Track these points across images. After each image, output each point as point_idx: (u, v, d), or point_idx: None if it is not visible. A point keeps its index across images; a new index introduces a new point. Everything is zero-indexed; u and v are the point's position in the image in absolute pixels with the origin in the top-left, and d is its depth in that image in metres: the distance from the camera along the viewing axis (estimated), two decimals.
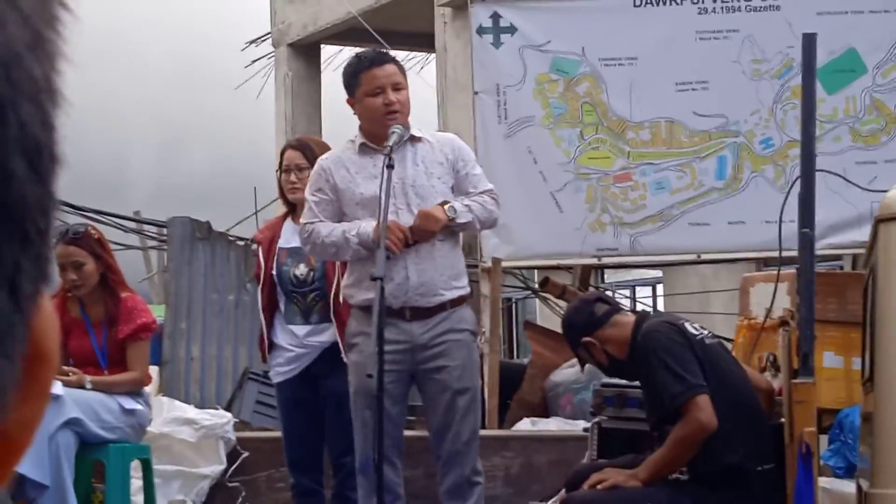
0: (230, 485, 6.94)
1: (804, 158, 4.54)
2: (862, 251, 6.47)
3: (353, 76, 4.94)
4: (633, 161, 8.08)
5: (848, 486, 5.28)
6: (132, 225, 12.13)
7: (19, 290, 0.43)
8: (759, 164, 8.04)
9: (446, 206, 4.83)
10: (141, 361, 5.85)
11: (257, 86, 15.89)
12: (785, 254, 5.27)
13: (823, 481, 5.18)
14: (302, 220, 5.00)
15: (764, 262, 9.14)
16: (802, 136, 4.60)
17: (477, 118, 8.09)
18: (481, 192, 4.94)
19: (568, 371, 7.99)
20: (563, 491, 5.04)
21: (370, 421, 4.55)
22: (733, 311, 7.62)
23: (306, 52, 15.97)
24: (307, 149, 5.52)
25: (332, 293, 5.29)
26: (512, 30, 8.12)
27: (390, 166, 4.69)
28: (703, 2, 8.04)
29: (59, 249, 5.63)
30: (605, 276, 15.33)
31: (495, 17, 8.12)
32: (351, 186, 4.90)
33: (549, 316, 12.35)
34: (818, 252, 5.12)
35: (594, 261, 8.47)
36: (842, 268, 10.03)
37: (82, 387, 5.63)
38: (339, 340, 5.19)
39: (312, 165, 5.24)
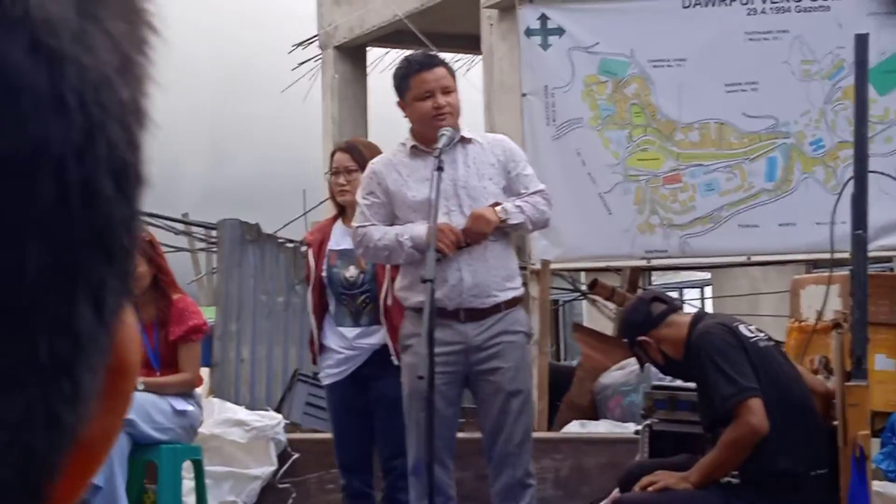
0: (281, 486, 6.97)
1: (857, 160, 4.52)
2: None
3: (402, 80, 4.96)
4: (682, 162, 8.05)
5: None
6: (181, 227, 12.21)
7: (104, 305, 0.44)
8: (809, 165, 7.99)
9: (498, 208, 4.83)
10: (192, 363, 5.89)
11: (304, 89, 15.96)
12: (836, 256, 5.23)
13: (876, 485, 5.14)
14: (354, 224, 5.02)
15: (813, 264, 9.09)
16: (855, 138, 4.57)
17: (525, 120, 8.09)
18: (533, 193, 4.95)
19: (617, 373, 7.98)
20: (617, 490, 5.04)
21: (423, 423, 4.56)
22: (782, 314, 7.59)
23: (353, 54, 16.01)
24: (356, 151, 5.53)
25: (382, 296, 5.30)
26: (560, 31, 8.11)
27: (440, 168, 4.70)
28: (752, 3, 8.00)
29: None
30: (653, 278, 15.28)
31: (543, 18, 8.12)
32: (402, 189, 4.92)
33: (596, 318, 12.33)
34: (869, 254, 5.09)
35: (643, 262, 8.45)
36: (892, 270, 9.95)
37: (134, 388, 5.67)
38: (390, 343, 5.20)
39: (361, 168, 5.25)
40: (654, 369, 5.64)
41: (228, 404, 7.39)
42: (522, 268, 7.83)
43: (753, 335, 4.67)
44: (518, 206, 4.88)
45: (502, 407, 4.82)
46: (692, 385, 4.91)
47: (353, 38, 15.68)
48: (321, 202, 12.94)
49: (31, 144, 0.41)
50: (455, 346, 4.81)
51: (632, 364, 7.54)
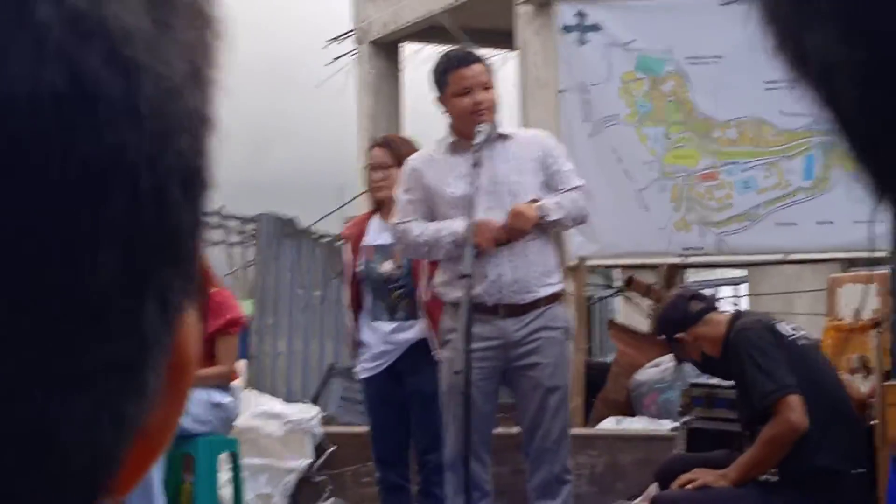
0: (317, 479, 6.99)
1: None
2: None
3: (441, 76, 4.97)
4: (719, 160, 8.03)
5: None
6: (216, 220, 12.25)
7: (169, 306, 0.46)
8: (847, 163, 7.94)
9: (537, 205, 4.84)
10: (230, 355, 5.92)
11: (339, 84, 15.98)
12: (874, 254, 5.21)
13: None
14: (394, 220, 5.03)
15: (849, 263, 9.04)
16: None
17: (561, 117, 8.08)
18: (571, 189, 4.95)
19: (652, 370, 7.97)
20: (655, 485, 5.04)
21: (460, 417, 4.57)
22: (817, 312, 7.55)
23: (387, 49, 16.02)
24: (393, 147, 5.54)
25: (420, 290, 5.31)
26: (597, 28, 8.10)
27: (477, 164, 4.71)
28: None
29: None
30: (687, 276, 15.22)
31: (580, 15, 8.11)
32: (441, 186, 4.93)
33: (630, 315, 12.30)
34: None
35: (679, 260, 8.43)
36: None
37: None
38: (434, 336, 5.19)
39: (398, 163, 5.27)
40: (689, 367, 5.64)
41: (265, 397, 7.43)
42: None
43: (792, 333, 4.66)
44: (557, 203, 4.88)
45: (541, 403, 4.82)
46: (730, 383, 4.91)
47: (387, 33, 15.69)
48: (355, 197, 12.96)
49: (107, 152, 0.42)
50: (494, 342, 4.81)
51: (667, 361, 7.53)
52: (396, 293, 5.42)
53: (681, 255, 8.21)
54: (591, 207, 5.25)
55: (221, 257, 13.84)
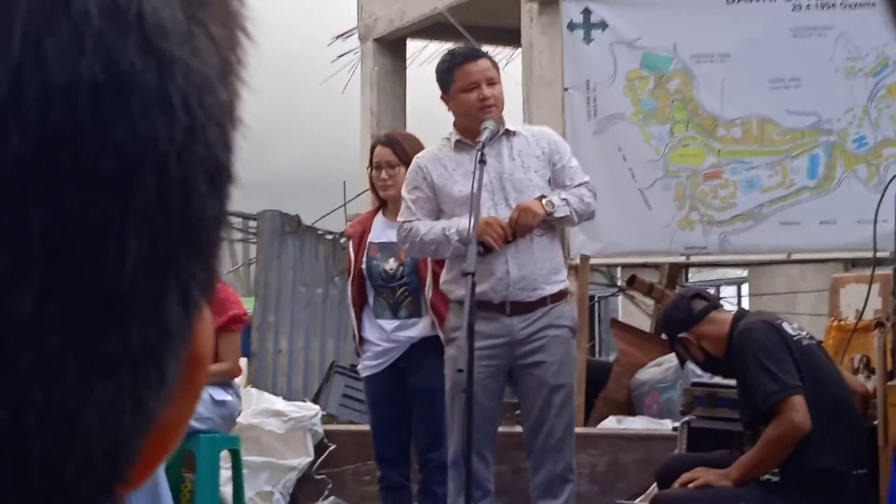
0: (317, 477, 6.99)
1: None
2: None
3: (446, 72, 4.95)
4: (723, 159, 8.01)
5: None
6: None
7: (190, 297, 0.46)
8: (852, 163, 7.93)
9: (544, 201, 4.82)
10: (232, 353, 5.91)
11: (343, 81, 15.99)
12: (878, 254, 5.19)
13: None
14: (400, 219, 5.02)
15: (852, 263, 9.02)
16: None
17: (566, 114, 8.07)
18: (578, 185, 4.94)
19: (654, 370, 7.96)
20: (655, 485, 5.02)
21: (463, 415, 4.56)
22: (819, 312, 7.54)
23: (392, 47, 16.03)
24: (397, 145, 5.52)
25: (426, 289, 5.30)
26: (603, 25, 8.08)
27: (482, 161, 4.69)
28: None
29: None
30: (689, 275, 15.22)
31: (586, 12, 8.10)
32: (448, 184, 4.91)
33: (632, 314, 12.30)
34: None
35: (682, 259, 8.42)
36: None
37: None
38: (441, 334, 5.17)
39: (402, 161, 5.25)
40: (691, 367, 5.63)
41: (266, 395, 7.42)
42: None
43: (796, 333, 4.65)
44: (564, 199, 4.87)
45: (545, 401, 4.81)
46: (731, 382, 4.89)
47: (392, 30, 15.69)
48: (359, 194, 12.97)
49: (140, 142, 0.43)
50: (499, 340, 4.80)
51: (669, 361, 7.53)
52: (400, 291, 5.41)
53: (684, 254, 8.19)
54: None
55: (223, 254, 13.85)
